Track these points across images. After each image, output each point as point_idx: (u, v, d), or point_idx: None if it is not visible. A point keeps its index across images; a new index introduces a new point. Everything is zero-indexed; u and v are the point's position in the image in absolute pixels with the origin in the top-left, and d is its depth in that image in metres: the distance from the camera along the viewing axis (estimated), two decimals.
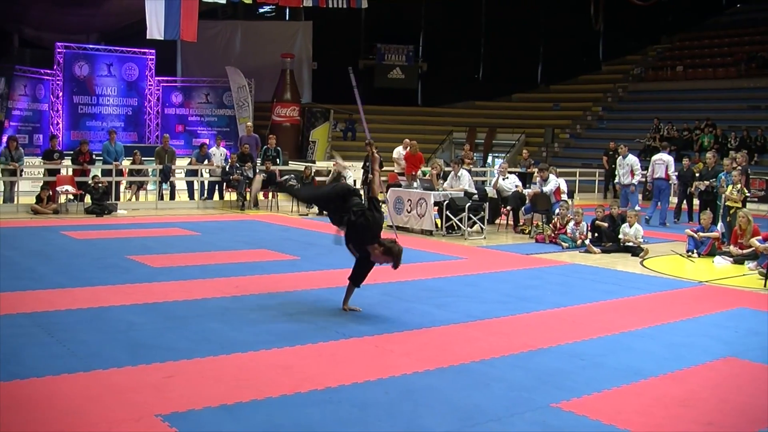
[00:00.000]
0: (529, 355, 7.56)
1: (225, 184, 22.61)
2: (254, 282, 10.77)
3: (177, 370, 6.72)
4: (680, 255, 15.04)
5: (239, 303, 9.55)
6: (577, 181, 28.08)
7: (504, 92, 43.49)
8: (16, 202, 19.97)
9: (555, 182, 17.82)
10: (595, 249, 15.09)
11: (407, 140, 22.89)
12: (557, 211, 16.74)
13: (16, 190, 20.30)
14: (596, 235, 15.66)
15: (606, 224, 15.55)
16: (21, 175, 20.66)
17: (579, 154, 35.92)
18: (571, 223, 15.98)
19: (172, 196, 22.93)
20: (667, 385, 6.77)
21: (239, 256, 13.38)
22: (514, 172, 21.22)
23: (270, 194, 22.40)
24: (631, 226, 15.25)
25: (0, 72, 28.06)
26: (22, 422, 5.46)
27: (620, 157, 20.40)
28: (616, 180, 20.66)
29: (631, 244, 15.08)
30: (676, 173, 20.72)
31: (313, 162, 29.43)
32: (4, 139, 23.16)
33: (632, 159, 20.02)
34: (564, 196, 18.20)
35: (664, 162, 20.55)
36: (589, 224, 15.86)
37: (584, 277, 12.33)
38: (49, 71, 31.07)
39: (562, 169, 23.66)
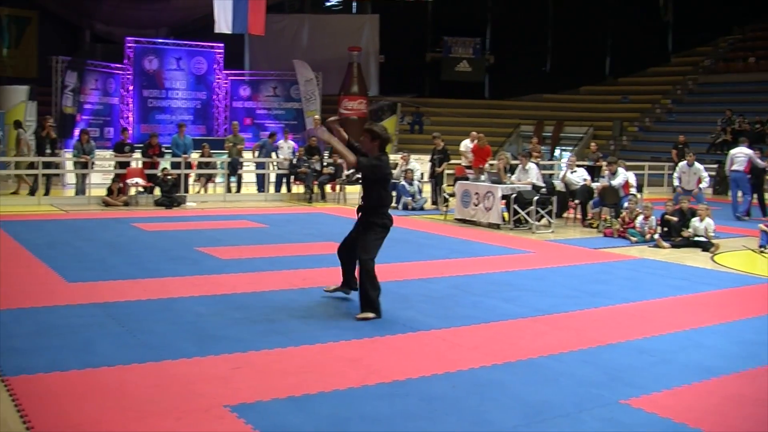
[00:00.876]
0: (598, 350, 7.49)
1: (292, 176, 22.75)
2: (322, 274, 10.80)
3: (245, 362, 6.78)
4: (752, 250, 14.79)
5: (306, 295, 9.61)
6: (646, 175, 27.75)
7: (572, 85, 43.14)
8: (87, 194, 20.30)
9: (624, 176, 17.64)
10: (665, 244, 14.90)
11: (474, 133, 22.76)
12: (626, 205, 16.56)
13: (87, 182, 20.62)
14: (666, 229, 15.45)
15: (676, 218, 15.34)
16: (92, 167, 20.97)
17: (648, 147, 35.49)
18: (640, 217, 15.79)
19: (239, 189, 23.12)
20: (739, 384, 6.66)
21: (306, 248, 13.45)
22: (582, 166, 21.03)
23: (338, 187, 22.47)
24: (701, 221, 15.03)
25: (72, 66, 28.45)
26: (95, 410, 5.56)
27: (684, 163, 19.68)
28: (676, 184, 19.94)
29: (701, 238, 14.86)
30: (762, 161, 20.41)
31: None
32: (76, 132, 23.49)
33: (699, 167, 19.37)
34: (633, 190, 18.00)
35: (744, 155, 20.28)
36: (658, 218, 15.66)
37: (653, 272, 12.17)
38: (119, 65, 31.44)
39: (631, 162, 23.37)
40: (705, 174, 19.09)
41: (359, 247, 8.71)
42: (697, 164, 19.48)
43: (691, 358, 7.34)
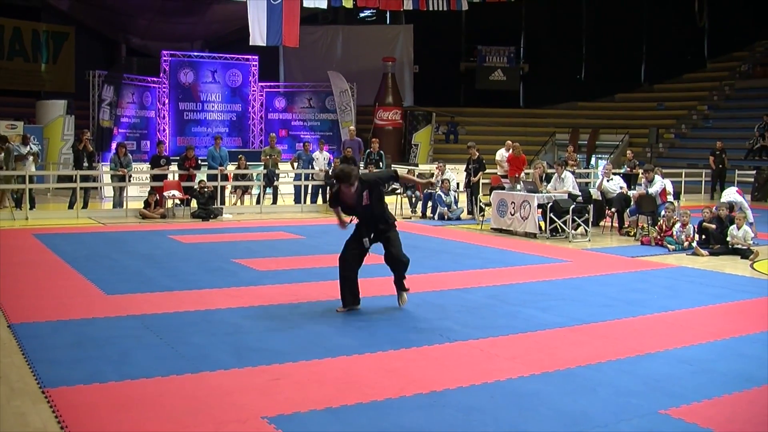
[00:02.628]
0: (637, 360, 7.44)
1: (329, 187, 22.80)
2: (359, 285, 10.81)
3: (283, 373, 6.80)
4: None
5: None
6: (683, 182, 27.60)
7: (607, 92, 42.90)
8: (124, 207, 20.45)
9: (661, 183, 17.53)
10: (703, 251, 14.78)
11: (509, 142, 22.79)
12: (663, 212, 16.46)
13: (124, 195, 20.78)
14: (704, 237, 15.32)
15: (714, 226, 15.21)
16: (129, 180, 21.12)
17: (684, 154, 35.26)
18: (678, 225, 15.68)
19: (275, 200, 23.20)
20: None
21: None
22: (618, 173, 20.92)
23: None
24: (739, 228, 14.90)
25: (109, 80, 28.73)
26: (134, 421, 5.60)
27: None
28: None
29: (740, 246, 14.74)
30: None
31: (416, 165, 29.45)
32: (114, 145, 23.71)
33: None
34: (670, 198, 17.90)
35: None
36: (696, 226, 15.55)
37: (692, 281, 12.09)
38: (155, 79, 31.69)
39: (668, 170, 23.23)
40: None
41: (399, 250, 9.32)
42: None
43: (731, 367, 7.26)
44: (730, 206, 15.77)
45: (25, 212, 19.16)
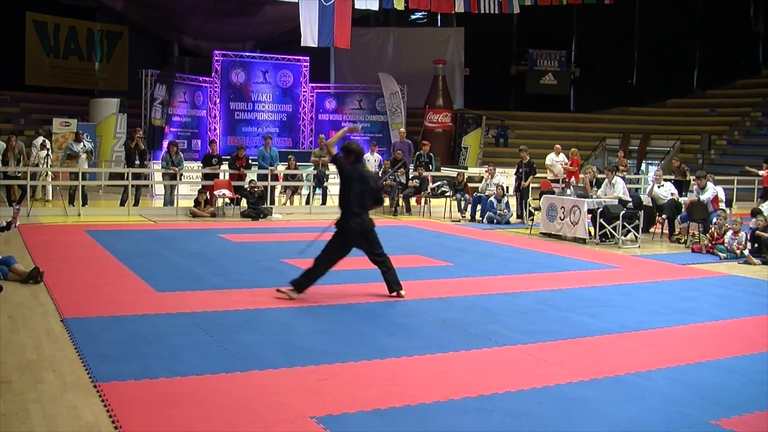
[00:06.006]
0: (687, 368, 7.37)
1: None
2: (407, 287, 10.79)
3: (331, 374, 6.83)
4: None
5: (392, 308, 9.65)
6: (735, 190, 27.23)
7: (658, 97, 42.50)
8: (175, 205, 20.60)
9: (713, 190, 17.34)
10: (755, 260, 14.60)
11: (558, 146, 22.71)
12: (714, 220, 16.28)
13: (175, 193, 20.93)
14: (756, 245, 15.15)
15: (767, 234, 15.04)
16: (180, 179, 21.27)
17: (737, 161, 34.76)
18: (730, 233, 15.51)
19: (324, 201, 23.20)
20: None
21: (392, 261, 13.43)
22: (669, 180, 20.75)
23: (423, 200, 22.46)
24: None
25: (161, 80, 28.96)
26: (183, 418, 5.67)
27: None
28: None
29: None
30: None
31: (465, 168, 29.40)
32: (165, 144, 23.89)
33: None
34: (722, 205, 17.71)
35: None
36: (748, 234, 15.38)
37: (744, 290, 11.95)
38: (207, 78, 31.89)
39: (719, 176, 22.97)
40: None
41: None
42: None
43: None
44: None
45: (77, 209, 19.38)
